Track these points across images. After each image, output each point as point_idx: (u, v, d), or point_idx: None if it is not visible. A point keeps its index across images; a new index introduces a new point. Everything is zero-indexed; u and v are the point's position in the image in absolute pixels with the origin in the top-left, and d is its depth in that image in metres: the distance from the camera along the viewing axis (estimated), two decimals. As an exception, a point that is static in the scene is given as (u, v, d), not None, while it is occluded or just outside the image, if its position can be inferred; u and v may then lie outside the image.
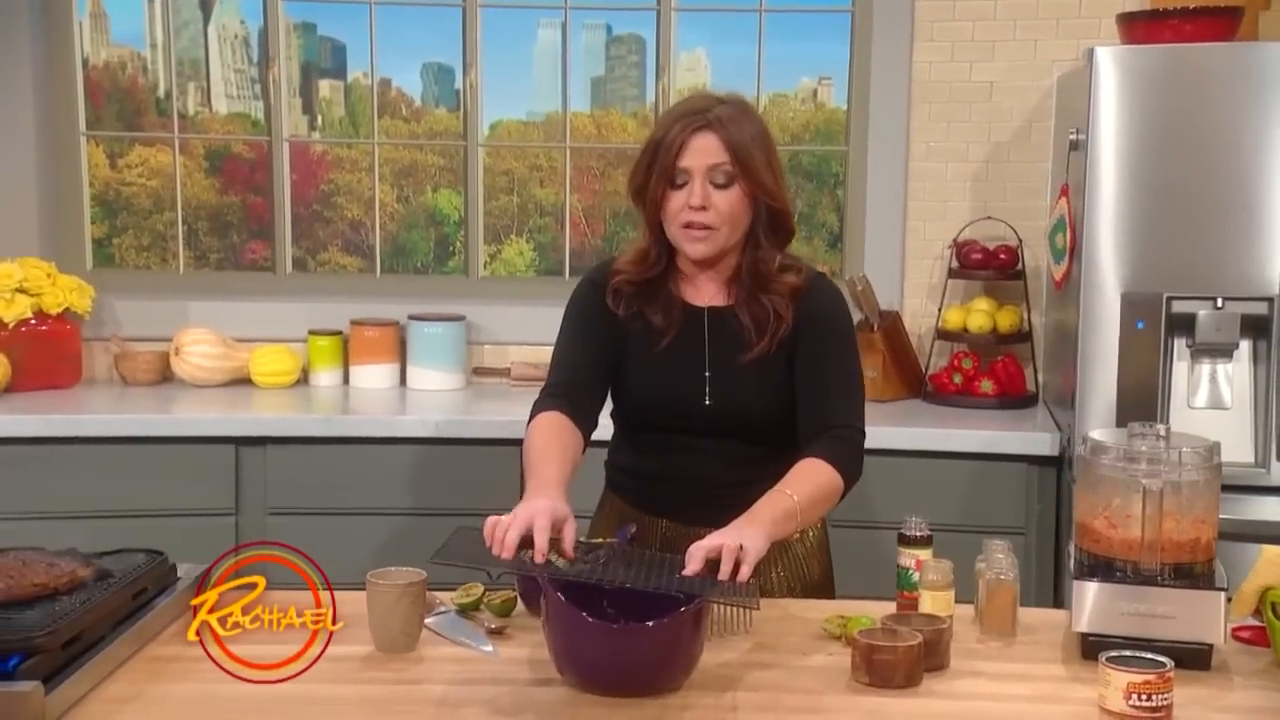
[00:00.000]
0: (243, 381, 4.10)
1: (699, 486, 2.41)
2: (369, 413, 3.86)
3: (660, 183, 2.31)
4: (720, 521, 2.31)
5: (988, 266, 3.99)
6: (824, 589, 2.50)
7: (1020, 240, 4.00)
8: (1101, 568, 2.10)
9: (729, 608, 2.13)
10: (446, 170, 4.52)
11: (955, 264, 4.03)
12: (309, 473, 3.66)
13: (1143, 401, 3.39)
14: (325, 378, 4.12)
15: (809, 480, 2.25)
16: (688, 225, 2.31)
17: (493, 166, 4.47)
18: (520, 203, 4.55)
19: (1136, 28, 3.60)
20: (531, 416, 2.39)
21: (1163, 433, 2.10)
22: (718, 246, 2.34)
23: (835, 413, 2.36)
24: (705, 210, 2.30)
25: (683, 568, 2.01)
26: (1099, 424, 3.41)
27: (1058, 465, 3.61)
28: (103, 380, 4.18)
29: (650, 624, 1.88)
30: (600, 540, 2.28)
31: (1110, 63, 3.36)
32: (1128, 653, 1.91)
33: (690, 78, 4.45)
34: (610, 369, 2.44)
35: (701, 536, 2.33)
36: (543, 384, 2.48)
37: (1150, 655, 1.89)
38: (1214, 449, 2.09)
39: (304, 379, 4.15)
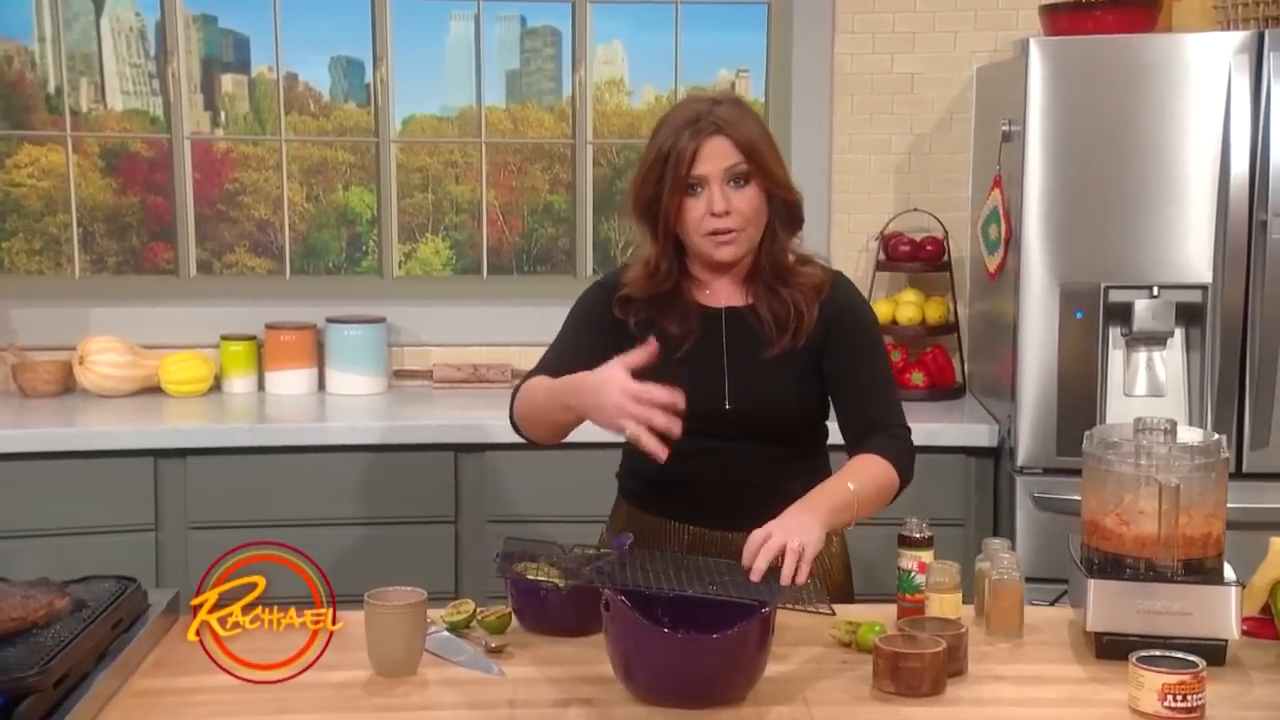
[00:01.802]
0: (151, 390, 3.92)
1: (725, 491, 2.34)
2: (288, 419, 3.72)
3: (675, 194, 2.25)
4: (750, 525, 2.25)
5: (916, 258, 3.99)
6: (845, 593, 2.46)
7: (946, 231, 4.01)
8: (1110, 565, 2.09)
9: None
10: (357, 167, 4.38)
11: (882, 256, 4.02)
12: (232, 484, 3.51)
13: (1082, 391, 3.42)
14: (240, 384, 3.96)
15: (866, 472, 2.20)
16: (714, 232, 2.26)
17: (406, 163, 4.33)
18: (435, 200, 4.42)
19: (1060, 19, 3.63)
20: (518, 390, 2.34)
21: (1168, 427, 2.09)
22: (746, 247, 2.30)
23: (883, 411, 2.32)
24: (729, 214, 2.25)
25: (741, 572, 1.99)
26: (1039, 414, 3.44)
27: (995, 456, 3.62)
28: (-1, 392, 3.97)
29: (718, 635, 1.84)
30: (595, 549, 2.20)
31: (1041, 54, 3.38)
32: (1156, 652, 1.89)
33: (608, 70, 4.37)
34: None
35: (730, 541, 2.27)
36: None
37: (1180, 655, 1.88)
38: (1220, 443, 2.09)
39: (216, 386, 3.98)
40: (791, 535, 1.99)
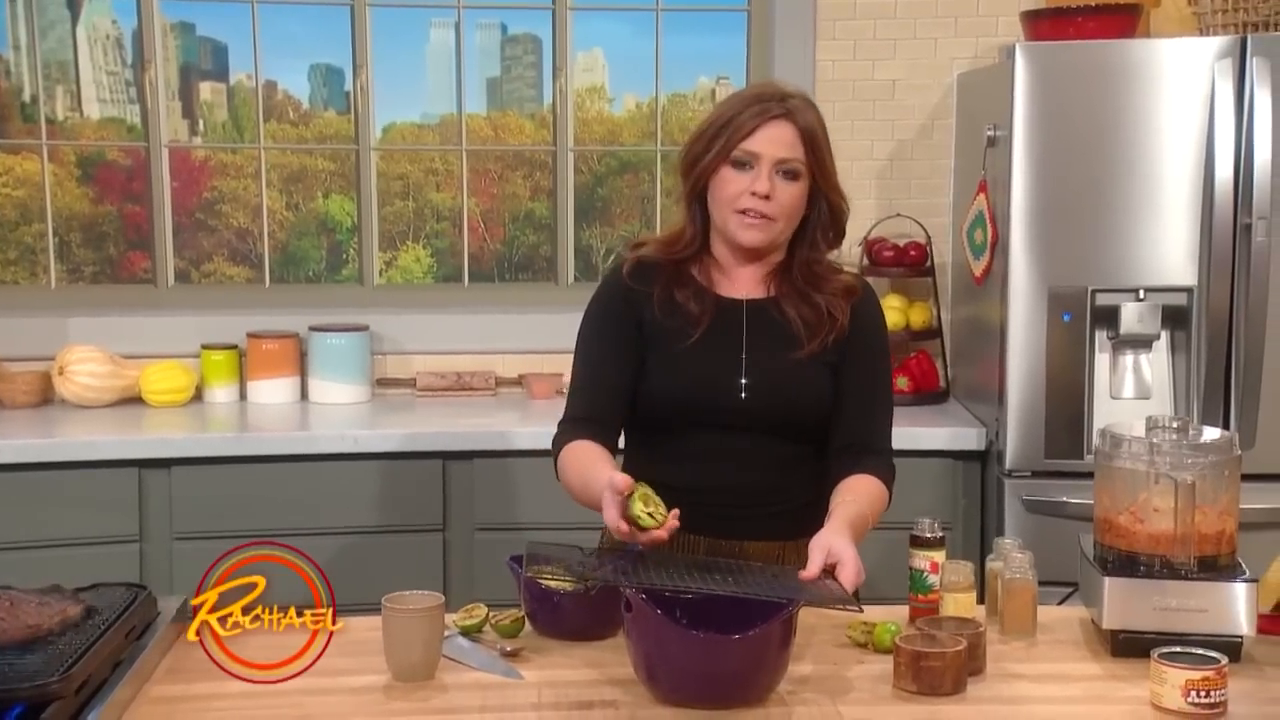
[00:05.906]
0: (131, 401, 3.87)
1: (737, 493, 2.27)
2: (271, 429, 3.69)
3: (720, 161, 2.21)
4: (762, 532, 2.24)
5: (900, 264, 4.01)
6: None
7: (929, 236, 4.03)
8: (1125, 563, 2.10)
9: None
10: (337, 175, 4.36)
11: (866, 261, 4.03)
12: (218, 494, 3.47)
13: (1069, 394, 3.44)
14: (221, 394, 3.92)
15: (877, 501, 2.24)
16: (744, 211, 2.21)
17: (386, 171, 4.31)
18: (416, 208, 4.41)
19: (1041, 25, 3.66)
20: (557, 447, 2.28)
21: (1179, 425, 2.11)
22: (771, 237, 2.24)
23: (880, 436, 2.33)
24: (768, 200, 2.19)
25: (753, 571, 2.03)
26: (1026, 418, 3.45)
27: (982, 460, 3.64)
28: (-25, 404, 3.91)
29: (742, 635, 1.84)
30: (610, 550, 2.19)
31: (1026, 59, 3.40)
32: (1177, 649, 1.90)
33: (588, 78, 4.37)
34: (632, 381, 2.29)
35: (743, 550, 2.26)
36: (563, 408, 2.36)
37: (1200, 651, 1.89)
38: (1233, 440, 2.10)
39: (197, 396, 3.94)
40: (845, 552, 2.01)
